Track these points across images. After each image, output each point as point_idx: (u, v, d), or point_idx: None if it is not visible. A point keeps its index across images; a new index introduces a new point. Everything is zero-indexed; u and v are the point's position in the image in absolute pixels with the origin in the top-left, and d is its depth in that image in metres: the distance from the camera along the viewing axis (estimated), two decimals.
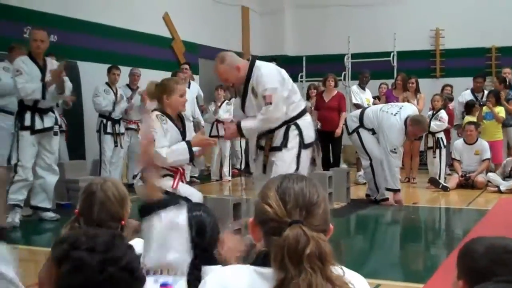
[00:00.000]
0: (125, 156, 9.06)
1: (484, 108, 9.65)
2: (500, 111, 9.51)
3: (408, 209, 7.45)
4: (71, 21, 9.19)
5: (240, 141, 10.34)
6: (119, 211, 2.48)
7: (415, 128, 7.42)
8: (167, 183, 4.79)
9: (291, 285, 1.38)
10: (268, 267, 1.44)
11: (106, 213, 2.44)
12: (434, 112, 9.45)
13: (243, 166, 10.79)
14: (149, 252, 2.22)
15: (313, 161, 5.38)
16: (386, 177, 7.44)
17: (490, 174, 9.12)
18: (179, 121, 4.87)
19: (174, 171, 4.81)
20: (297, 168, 4.77)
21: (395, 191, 7.55)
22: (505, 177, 9.02)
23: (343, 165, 9.93)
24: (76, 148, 8.97)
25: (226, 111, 10.17)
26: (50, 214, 6.50)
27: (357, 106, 9.71)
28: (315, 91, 10.52)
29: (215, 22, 12.67)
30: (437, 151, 9.40)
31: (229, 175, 10.48)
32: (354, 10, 13.67)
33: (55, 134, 6.52)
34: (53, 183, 6.59)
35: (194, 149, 4.76)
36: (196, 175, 10.40)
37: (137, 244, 2.47)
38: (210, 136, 10.14)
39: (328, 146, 9.33)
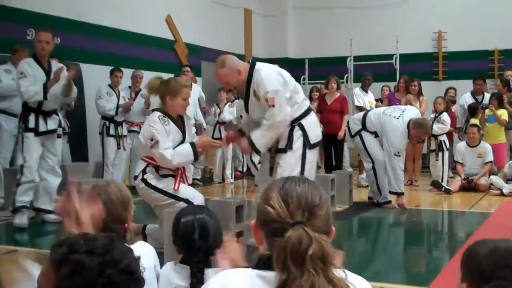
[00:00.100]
0: (128, 158, 9.06)
1: (487, 110, 9.64)
2: (503, 113, 9.50)
3: (410, 212, 7.43)
4: (74, 23, 9.21)
5: None
6: (123, 214, 2.47)
7: (418, 131, 7.40)
8: (168, 184, 4.79)
9: (293, 286, 1.38)
10: (271, 271, 1.44)
11: (109, 216, 2.44)
12: (437, 115, 9.44)
13: (245, 169, 10.80)
14: None
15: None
16: (389, 180, 7.42)
17: (492, 177, 9.11)
18: (180, 121, 4.87)
19: (175, 171, 4.80)
20: (302, 170, 4.75)
21: (399, 194, 7.53)
22: (508, 180, 9.00)
23: (349, 169, 9.91)
24: (78, 150, 8.98)
25: (230, 113, 10.18)
26: (53, 216, 6.49)
27: (359, 108, 9.70)
28: (318, 93, 10.52)
29: (218, 25, 12.69)
30: (440, 154, 9.39)
31: (231, 178, 10.48)
32: (356, 13, 13.69)
33: (59, 136, 6.53)
34: (56, 185, 6.59)
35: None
36: (199, 177, 10.40)
37: (139, 247, 2.48)
38: (212, 138, 10.16)
39: (331, 148, 9.32)
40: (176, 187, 4.76)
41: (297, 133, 4.81)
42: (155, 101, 5.83)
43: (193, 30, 11.98)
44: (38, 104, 6.24)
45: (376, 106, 9.74)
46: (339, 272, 1.43)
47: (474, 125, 9.44)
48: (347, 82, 13.00)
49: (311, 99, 10.88)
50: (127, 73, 9.23)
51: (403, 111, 7.63)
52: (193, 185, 9.58)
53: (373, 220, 7.25)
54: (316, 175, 6.77)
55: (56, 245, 1.40)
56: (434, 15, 13.02)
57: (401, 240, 6.39)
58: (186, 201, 4.74)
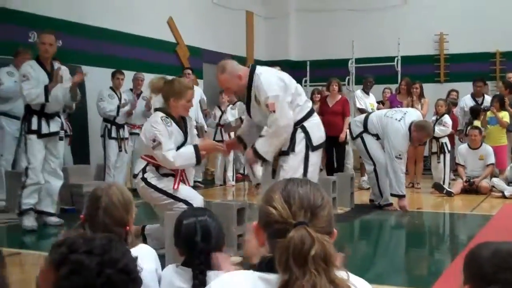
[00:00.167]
0: (129, 161, 9.07)
1: (489, 113, 9.64)
2: (505, 116, 9.49)
3: (412, 215, 7.43)
4: (75, 25, 9.22)
5: None
6: (124, 217, 2.48)
7: (419, 133, 7.40)
8: (168, 184, 4.78)
9: (295, 286, 1.38)
10: (273, 273, 1.44)
11: (110, 218, 2.44)
12: (438, 117, 9.44)
13: (246, 171, 10.80)
14: None
15: None
16: (391, 182, 7.43)
17: (494, 179, 9.10)
18: (182, 122, 4.87)
19: (175, 171, 4.80)
20: (305, 172, 4.74)
21: (400, 197, 7.53)
22: (510, 182, 9.00)
23: (352, 171, 9.90)
24: (80, 152, 8.99)
25: (232, 115, 10.18)
26: (54, 219, 6.50)
27: (361, 111, 9.70)
28: (319, 95, 10.52)
29: (220, 27, 12.70)
30: (441, 156, 9.39)
31: (233, 180, 10.48)
32: (358, 15, 13.70)
33: (61, 139, 6.54)
34: (58, 188, 6.60)
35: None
36: (200, 179, 10.41)
37: (140, 250, 2.48)
38: (214, 140, 10.15)
39: (332, 151, 9.32)
40: (175, 187, 4.76)
41: (300, 135, 4.79)
42: (156, 99, 5.83)
43: (195, 33, 11.99)
44: (41, 106, 6.25)
45: (378, 108, 9.75)
46: (341, 273, 1.43)
47: (476, 127, 9.44)
48: (348, 84, 13.00)
49: (312, 101, 10.85)
50: (129, 75, 9.24)
51: (405, 113, 7.63)
52: (194, 187, 9.58)
53: (375, 222, 7.25)
54: (318, 177, 6.78)
55: (56, 246, 1.41)
56: (436, 17, 13.02)
57: (402, 243, 6.39)
58: (185, 202, 4.73)
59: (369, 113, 8.24)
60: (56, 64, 6.50)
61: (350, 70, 13.28)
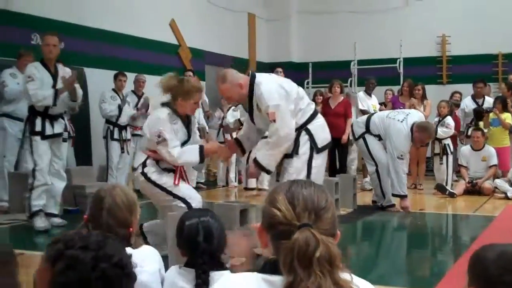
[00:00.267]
0: (132, 162, 9.07)
1: (491, 114, 9.63)
2: (507, 117, 9.48)
3: (414, 216, 7.43)
4: (78, 27, 9.23)
5: None
6: (128, 218, 2.47)
7: (421, 134, 7.40)
8: (168, 180, 4.77)
9: None
10: (277, 275, 1.44)
11: (114, 219, 2.44)
12: (441, 119, 9.44)
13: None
14: None
15: None
16: (393, 183, 7.43)
17: (497, 180, 9.10)
18: (187, 121, 4.87)
19: (175, 166, 4.79)
20: (308, 174, 4.74)
21: (402, 197, 7.53)
22: None
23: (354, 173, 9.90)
24: (82, 154, 9.00)
25: (233, 117, 10.18)
26: (58, 220, 6.51)
27: (363, 112, 9.70)
28: (321, 97, 10.52)
29: (222, 29, 12.71)
30: (444, 157, 9.39)
31: (235, 181, 10.48)
32: (360, 17, 13.70)
33: (64, 140, 6.56)
34: (61, 189, 6.62)
35: None
36: (203, 180, 10.42)
37: (143, 251, 2.48)
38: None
39: (335, 152, 9.32)
40: (176, 182, 4.75)
41: (304, 138, 4.78)
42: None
43: (197, 35, 12.00)
44: (45, 108, 6.27)
45: (380, 110, 9.75)
46: (345, 275, 1.43)
47: (478, 129, 9.44)
48: (350, 86, 12.99)
49: (314, 103, 10.87)
50: (131, 77, 9.25)
51: (407, 114, 7.64)
52: (197, 188, 9.60)
53: (377, 223, 7.25)
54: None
55: (52, 243, 1.44)
56: (438, 19, 13.01)
57: (405, 244, 6.39)
58: (184, 200, 4.73)
59: (371, 114, 8.25)
60: (60, 66, 6.52)
61: (352, 71, 13.28)
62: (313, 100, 11.07)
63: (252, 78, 4.71)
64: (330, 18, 13.95)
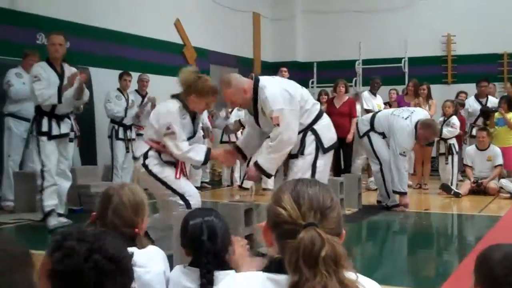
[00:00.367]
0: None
1: (496, 114, 9.60)
2: None
3: (419, 216, 7.41)
4: (83, 27, 9.25)
5: None
6: (133, 218, 2.46)
7: (425, 131, 7.40)
8: (169, 174, 4.76)
9: (305, 287, 1.37)
10: (282, 274, 1.44)
11: (120, 218, 2.43)
12: (446, 118, 9.41)
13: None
14: None
15: None
16: (393, 179, 7.43)
17: (502, 180, 9.07)
18: (194, 117, 4.87)
19: (176, 160, 4.78)
20: (313, 174, 4.73)
21: (402, 193, 7.53)
22: None
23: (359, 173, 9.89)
24: (87, 153, 9.01)
25: (237, 116, 10.18)
26: (63, 220, 6.52)
27: (368, 112, 9.68)
28: (326, 97, 10.51)
29: (227, 28, 12.72)
30: (449, 157, 9.37)
31: (240, 181, 10.47)
32: (365, 16, 13.68)
33: (70, 140, 6.57)
34: (67, 189, 6.63)
35: None
36: (207, 180, 10.43)
37: (149, 251, 2.47)
38: (221, 142, 10.17)
39: (339, 152, 9.31)
40: (177, 176, 4.74)
41: (310, 138, 4.78)
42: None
43: (202, 34, 12.01)
44: (51, 107, 6.27)
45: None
46: (350, 274, 1.43)
47: (484, 129, 9.41)
48: (355, 85, 12.98)
49: (319, 102, 10.86)
50: (136, 77, 9.26)
51: (412, 112, 7.64)
52: (202, 188, 9.62)
53: (382, 223, 7.23)
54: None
55: (54, 238, 1.51)
56: (443, 19, 12.98)
57: (410, 244, 6.37)
58: (182, 196, 4.71)
59: (376, 112, 8.25)
60: (66, 66, 6.53)
61: (357, 71, 13.27)
62: (318, 99, 11.07)
63: (256, 82, 4.70)
64: (335, 17, 13.94)
